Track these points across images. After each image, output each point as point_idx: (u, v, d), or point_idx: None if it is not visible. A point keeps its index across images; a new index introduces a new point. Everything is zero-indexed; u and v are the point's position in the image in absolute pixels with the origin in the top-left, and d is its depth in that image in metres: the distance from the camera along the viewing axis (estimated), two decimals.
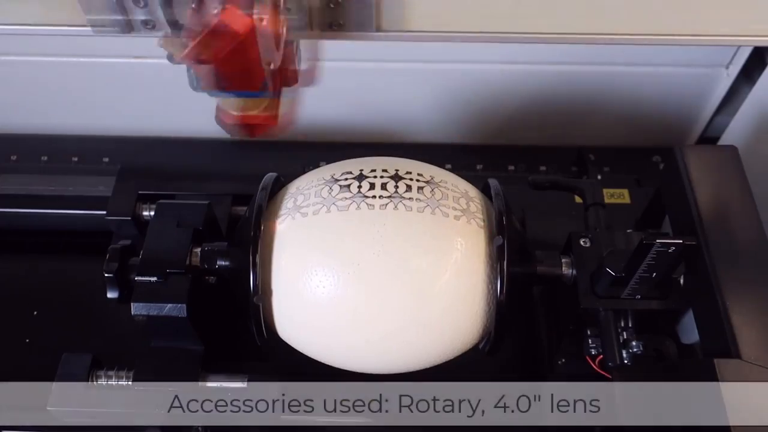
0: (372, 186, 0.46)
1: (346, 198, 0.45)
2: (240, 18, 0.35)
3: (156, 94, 0.72)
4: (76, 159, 0.73)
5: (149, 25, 0.42)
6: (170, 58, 0.39)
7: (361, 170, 0.47)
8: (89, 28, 0.43)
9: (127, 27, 0.42)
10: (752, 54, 0.65)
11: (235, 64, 0.38)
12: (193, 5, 0.37)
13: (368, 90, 0.72)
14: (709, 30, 0.50)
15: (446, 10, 0.45)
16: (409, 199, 0.45)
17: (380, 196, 0.45)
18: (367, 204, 0.45)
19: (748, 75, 0.66)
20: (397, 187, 0.46)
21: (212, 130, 0.75)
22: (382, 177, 0.46)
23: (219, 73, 0.38)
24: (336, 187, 0.46)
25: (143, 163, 0.64)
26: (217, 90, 0.41)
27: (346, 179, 0.46)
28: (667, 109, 0.73)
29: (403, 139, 0.76)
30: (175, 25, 0.39)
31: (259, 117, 0.43)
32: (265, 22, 0.36)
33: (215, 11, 0.35)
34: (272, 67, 0.38)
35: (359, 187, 0.46)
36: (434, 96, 0.73)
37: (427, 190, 0.46)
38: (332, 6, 0.42)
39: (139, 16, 0.42)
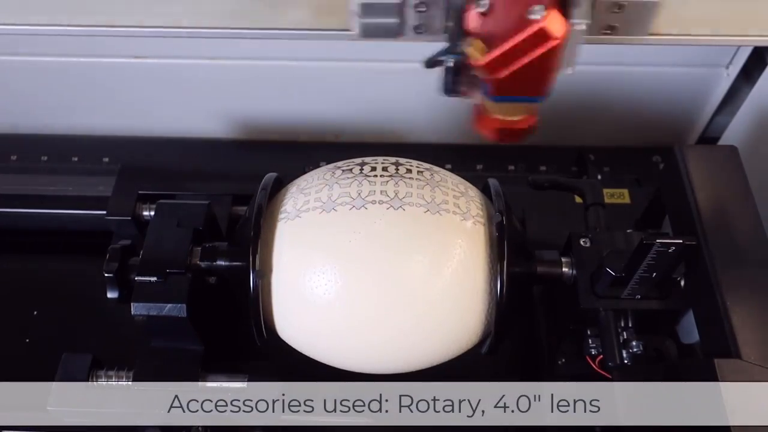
0: (372, 189, 0.45)
1: (346, 201, 0.45)
2: (561, 23, 0.34)
3: (156, 94, 0.72)
4: (76, 159, 0.73)
5: (420, 29, 0.41)
6: (432, 63, 0.38)
7: (362, 172, 0.47)
8: (351, 32, 0.42)
9: (398, 31, 0.42)
10: (752, 54, 0.65)
11: (536, 70, 0.36)
12: (482, 10, 0.35)
13: (368, 90, 0.72)
14: (709, 30, 0.50)
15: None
16: (409, 200, 0.45)
17: (380, 201, 0.45)
18: (367, 205, 0.45)
19: (748, 75, 0.66)
20: (397, 189, 0.45)
21: (213, 130, 0.75)
22: (382, 178, 0.46)
23: (515, 79, 0.37)
24: (336, 189, 0.46)
25: (143, 163, 0.64)
26: (506, 96, 0.39)
27: (347, 181, 0.46)
28: (667, 109, 0.73)
29: (403, 139, 0.76)
30: (458, 31, 0.37)
31: (526, 121, 0.42)
32: (582, 28, 0.35)
33: (533, 16, 0.34)
34: (570, 72, 0.37)
35: (359, 190, 0.45)
36: (434, 96, 0.72)
37: (427, 191, 0.46)
38: (616, 11, 0.42)
39: (413, 21, 0.41)
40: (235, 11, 0.46)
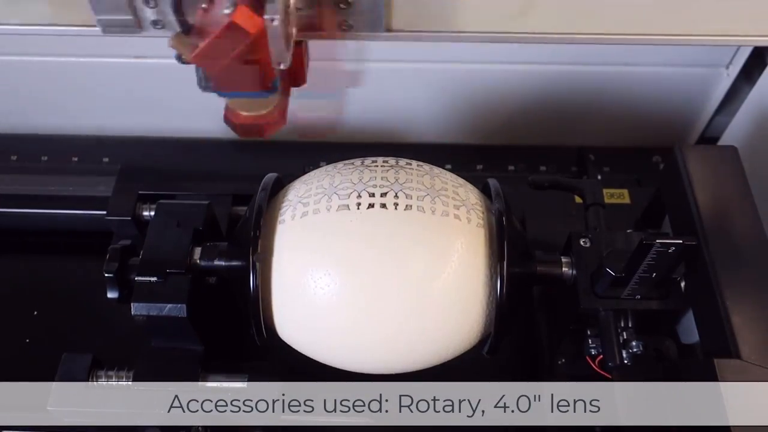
0: (371, 203, 0.45)
1: (346, 201, 0.45)
2: (251, 18, 0.35)
3: (156, 94, 0.72)
4: (76, 159, 0.73)
5: (159, 24, 0.42)
6: (179, 58, 0.39)
7: (361, 180, 0.47)
8: (95, 28, 0.43)
9: (137, 27, 0.42)
10: (752, 54, 0.65)
11: (245, 65, 0.37)
12: (204, 5, 0.37)
13: (368, 90, 0.72)
14: (709, 30, 0.50)
15: (452, 10, 0.45)
16: (410, 199, 0.45)
17: (380, 201, 0.45)
18: (367, 205, 0.45)
19: (748, 75, 0.66)
20: (396, 204, 0.45)
21: (213, 130, 0.76)
22: (381, 188, 0.46)
23: (229, 74, 0.38)
24: (335, 201, 0.46)
25: (143, 164, 0.65)
26: (226, 90, 0.41)
27: (345, 191, 0.46)
28: (667, 109, 0.73)
29: (403, 139, 0.76)
30: (185, 25, 0.39)
31: (269, 117, 0.43)
32: (275, 23, 0.35)
33: (226, 11, 0.35)
34: (282, 67, 0.38)
35: (358, 202, 0.45)
36: (434, 96, 0.73)
37: (428, 205, 0.45)
38: (342, 6, 0.42)
39: (149, 15, 0.42)
40: None
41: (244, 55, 0.36)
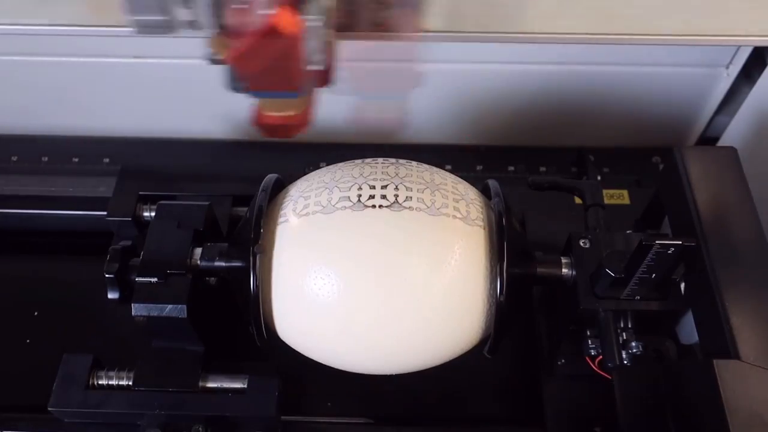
0: (372, 194, 0.45)
1: (345, 206, 0.45)
2: (292, 20, 0.35)
3: (156, 94, 0.72)
4: (76, 160, 0.73)
5: (193, 25, 0.42)
6: (213, 58, 0.39)
7: (361, 174, 0.47)
8: (125, 29, 0.43)
9: (171, 27, 0.42)
10: (752, 54, 0.65)
11: (281, 65, 0.37)
12: (238, 5, 0.36)
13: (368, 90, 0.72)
14: (709, 30, 0.50)
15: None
16: (409, 204, 0.45)
17: (380, 206, 0.45)
18: (367, 206, 0.45)
19: (748, 75, 0.66)
20: (396, 194, 0.45)
21: (213, 130, 0.75)
22: (382, 181, 0.46)
23: (264, 74, 0.38)
24: (336, 193, 0.46)
25: (144, 164, 0.65)
26: (260, 91, 0.40)
27: (346, 185, 0.46)
28: (667, 109, 0.73)
29: (403, 140, 0.76)
30: (221, 25, 0.38)
31: (296, 117, 0.43)
32: (314, 24, 0.35)
33: (266, 12, 0.35)
34: (317, 68, 0.38)
35: (359, 194, 0.45)
36: (434, 96, 0.72)
37: (427, 195, 0.46)
38: (380, 5, 0.42)
39: (184, 16, 0.42)
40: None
41: (281, 56, 0.36)
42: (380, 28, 0.43)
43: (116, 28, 0.48)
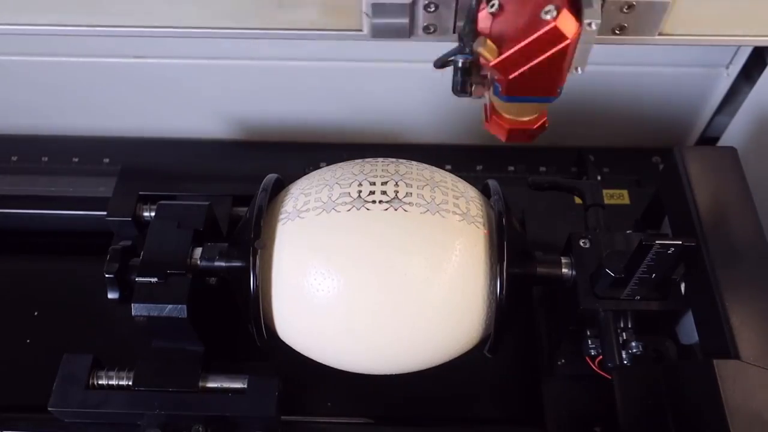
0: (372, 190, 0.46)
1: (345, 202, 0.45)
2: (572, 23, 0.34)
3: (156, 94, 0.72)
4: (76, 160, 0.73)
5: (430, 29, 0.41)
6: (443, 60, 0.38)
7: (362, 171, 0.47)
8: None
9: (409, 31, 0.42)
10: (752, 54, 0.65)
11: (546, 70, 0.36)
12: (492, 10, 0.35)
13: (368, 90, 0.72)
14: (709, 30, 0.50)
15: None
16: (409, 203, 0.45)
17: (380, 201, 0.45)
18: (367, 206, 0.45)
19: (748, 75, 0.66)
20: (397, 190, 0.46)
21: (213, 130, 0.76)
22: (382, 178, 0.46)
23: (525, 79, 0.37)
24: (336, 190, 0.46)
25: (144, 164, 0.64)
26: (517, 96, 0.39)
27: (347, 181, 0.47)
28: (667, 109, 0.73)
29: (403, 140, 0.76)
30: (474, 30, 0.37)
31: (537, 121, 0.42)
32: (593, 27, 0.34)
33: (547, 16, 0.34)
34: (580, 72, 0.37)
35: (359, 190, 0.46)
36: (434, 96, 0.73)
37: (427, 191, 0.46)
38: (626, 11, 0.42)
39: (422, 21, 0.41)
40: (241, 11, 0.45)
41: (550, 61, 0.35)
42: (618, 32, 0.42)
43: (116, 28, 0.48)
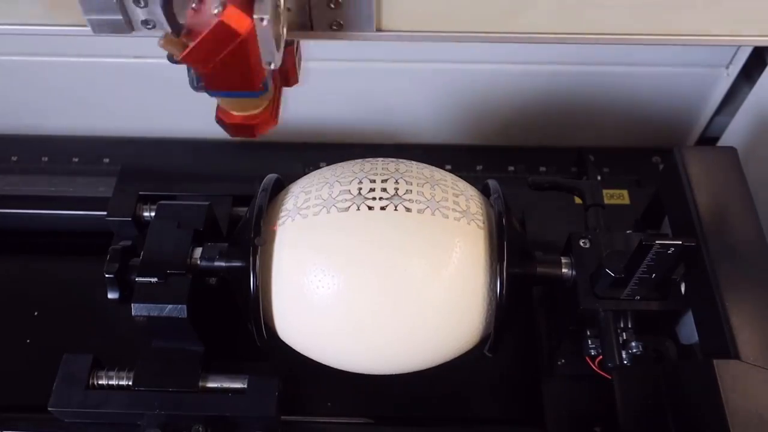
0: (372, 187, 0.46)
1: (346, 200, 0.45)
2: (240, 18, 0.35)
3: (156, 94, 0.72)
4: (76, 160, 0.73)
5: (150, 24, 0.42)
6: (170, 58, 0.39)
7: (362, 170, 0.47)
8: (86, 28, 0.43)
9: (128, 27, 0.42)
10: (752, 54, 0.65)
11: (235, 65, 0.37)
12: (194, 5, 0.37)
13: (368, 90, 0.72)
14: (709, 30, 0.50)
15: (445, 9, 0.45)
16: (409, 200, 0.45)
17: (380, 198, 0.45)
18: (367, 205, 0.45)
19: (748, 75, 0.66)
20: (397, 187, 0.46)
21: (213, 130, 0.75)
22: (382, 176, 0.46)
23: (219, 74, 0.38)
24: (336, 188, 0.46)
25: (144, 164, 0.65)
26: (217, 90, 0.41)
27: (347, 179, 0.47)
28: (667, 109, 0.73)
29: (403, 140, 0.76)
30: (175, 25, 0.39)
31: (260, 117, 0.43)
32: (265, 23, 0.35)
33: (215, 11, 0.35)
34: (272, 67, 0.39)
35: (359, 188, 0.46)
36: (434, 96, 0.73)
37: (427, 189, 0.46)
38: (332, 6, 0.42)
39: (140, 15, 0.42)
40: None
41: (234, 55, 0.36)
42: (334, 28, 0.43)
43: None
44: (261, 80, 0.39)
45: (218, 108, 0.43)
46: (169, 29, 0.39)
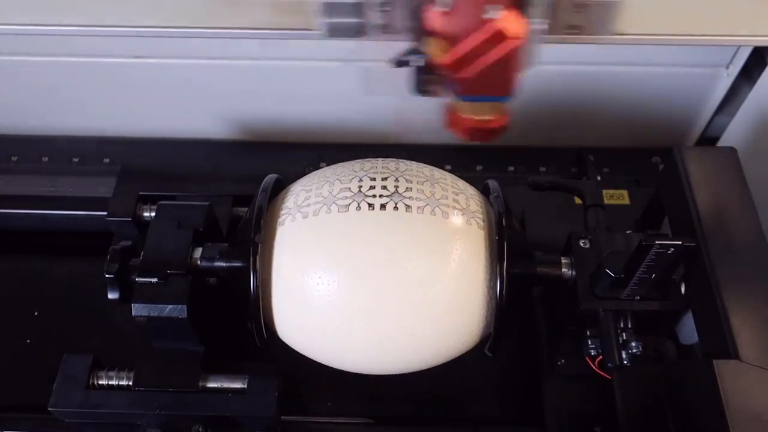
0: (372, 185, 0.46)
1: (346, 197, 0.45)
2: (519, 24, 0.34)
3: (156, 94, 0.72)
4: (76, 160, 0.73)
5: (384, 29, 0.42)
6: (399, 60, 0.38)
7: (362, 168, 0.47)
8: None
9: (363, 31, 0.42)
10: (752, 54, 0.65)
11: (502, 70, 0.37)
12: (446, 9, 0.35)
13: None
14: (709, 30, 0.50)
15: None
16: (409, 197, 0.45)
17: (380, 195, 0.45)
18: (367, 204, 0.45)
19: (748, 75, 0.66)
20: (397, 185, 0.46)
21: (213, 130, 0.76)
22: (382, 174, 0.47)
23: (483, 79, 0.37)
24: (337, 186, 0.46)
25: (144, 164, 0.65)
26: (474, 95, 0.40)
27: (347, 177, 0.47)
28: (667, 109, 0.73)
29: (403, 140, 0.76)
30: (419, 31, 0.38)
31: (498, 121, 0.42)
32: (541, 28, 0.35)
33: (487, 16, 0.34)
34: (532, 71, 0.38)
35: (360, 185, 0.46)
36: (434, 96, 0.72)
37: (427, 186, 0.46)
38: (578, 10, 0.42)
39: (376, 20, 0.42)
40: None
41: (503, 60, 0.35)
42: (575, 30, 0.43)
43: (116, 28, 0.48)
44: (515, 85, 0.38)
45: (454, 112, 0.42)
46: (409, 35, 0.38)
